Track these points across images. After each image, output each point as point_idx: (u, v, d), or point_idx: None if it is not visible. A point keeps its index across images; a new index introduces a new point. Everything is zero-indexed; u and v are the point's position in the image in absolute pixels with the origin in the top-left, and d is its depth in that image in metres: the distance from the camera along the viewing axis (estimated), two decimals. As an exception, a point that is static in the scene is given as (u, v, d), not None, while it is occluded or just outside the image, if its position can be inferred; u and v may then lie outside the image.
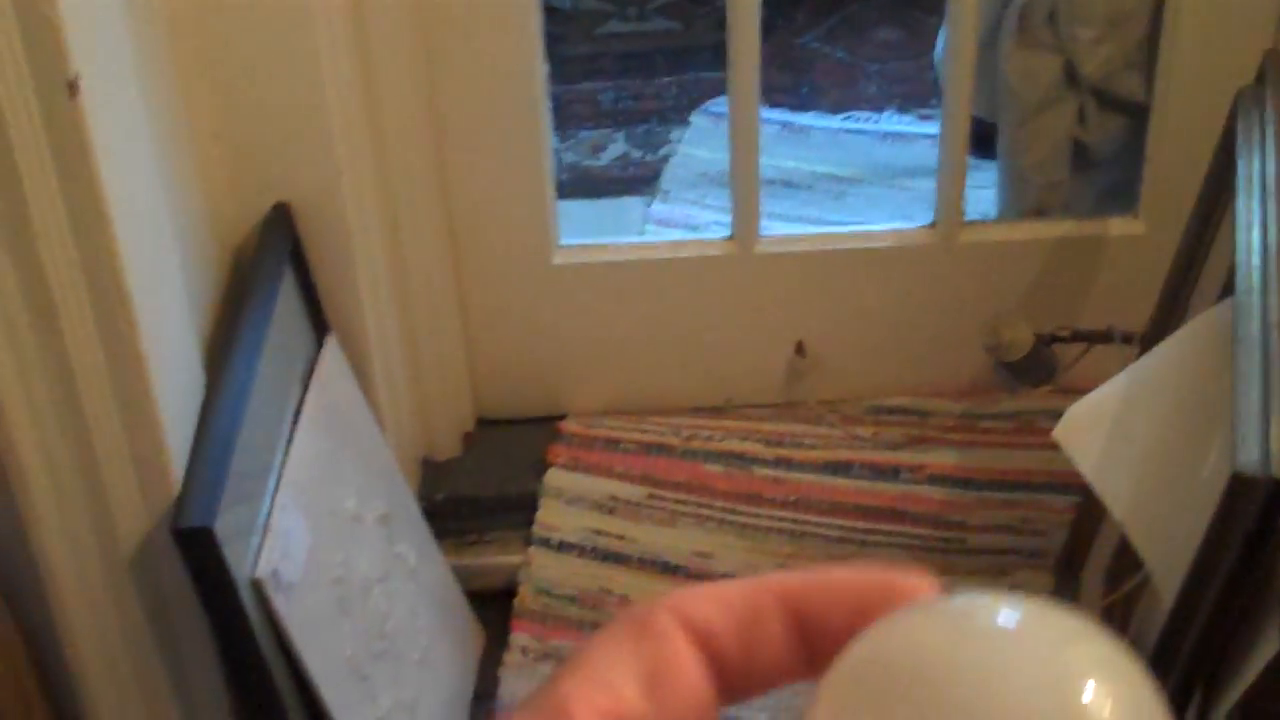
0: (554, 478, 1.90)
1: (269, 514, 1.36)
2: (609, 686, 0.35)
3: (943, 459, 1.89)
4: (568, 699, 0.34)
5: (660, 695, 0.35)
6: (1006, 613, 0.35)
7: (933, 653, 0.35)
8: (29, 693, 1.35)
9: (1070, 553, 1.78)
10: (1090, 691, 0.34)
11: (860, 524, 1.85)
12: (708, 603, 0.36)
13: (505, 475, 1.93)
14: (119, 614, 1.30)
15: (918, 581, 0.37)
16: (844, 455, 1.90)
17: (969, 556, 1.82)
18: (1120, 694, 0.34)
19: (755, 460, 1.91)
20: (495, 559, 1.88)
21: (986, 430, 1.92)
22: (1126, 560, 1.62)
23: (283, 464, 1.42)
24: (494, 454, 1.96)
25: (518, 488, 1.91)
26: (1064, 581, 1.78)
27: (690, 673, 0.35)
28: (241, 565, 1.29)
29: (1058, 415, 1.47)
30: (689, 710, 0.35)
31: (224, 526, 1.25)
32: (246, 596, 1.29)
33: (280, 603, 1.34)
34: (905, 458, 1.90)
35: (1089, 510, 1.73)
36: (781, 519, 1.86)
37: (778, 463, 1.90)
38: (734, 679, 0.36)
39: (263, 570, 1.31)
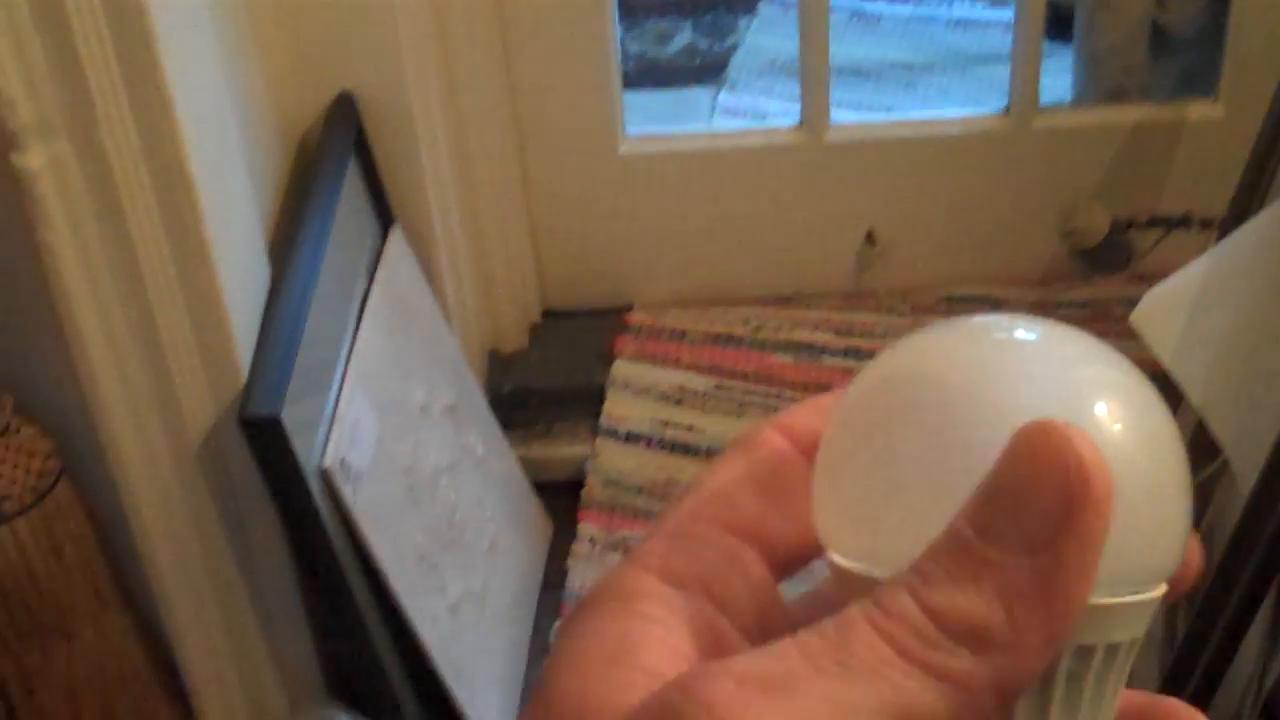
0: (621, 369, 1.89)
1: (336, 404, 1.36)
2: (727, 498, 0.36)
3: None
4: (686, 516, 0.36)
5: (779, 500, 0.37)
6: (1028, 329, 0.36)
7: (946, 361, 0.35)
8: (101, 584, 1.36)
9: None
10: (1101, 409, 0.34)
11: (930, 414, 1.83)
12: (808, 413, 0.38)
13: (572, 367, 1.92)
14: (188, 504, 1.31)
15: None
16: (914, 345, 1.88)
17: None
18: (1131, 416, 0.34)
19: (825, 350, 1.89)
20: (562, 450, 1.87)
21: (1061, 316, 1.88)
22: (1202, 447, 1.59)
23: (349, 355, 1.41)
24: (560, 346, 1.95)
25: (585, 379, 1.90)
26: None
27: (803, 477, 0.37)
28: (309, 455, 1.29)
29: (1133, 302, 1.44)
30: (804, 515, 0.36)
31: (291, 416, 1.25)
32: (315, 486, 1.29)
33: (348, 492, 1.34)
34: (976, 346, 1.87)
35: (1165, 397, 1.70)
36: (851, 409, 1.84)
37: (848, 352, 1.88)
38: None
39: (331, 459, 1.31)
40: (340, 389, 1.37)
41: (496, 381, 1.90)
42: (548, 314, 1.98)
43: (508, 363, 1.93)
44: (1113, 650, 0.34)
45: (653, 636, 0.33)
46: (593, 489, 1.82)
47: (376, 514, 1.39)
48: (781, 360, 1.88)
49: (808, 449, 0.37)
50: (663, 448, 1.84)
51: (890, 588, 0.31)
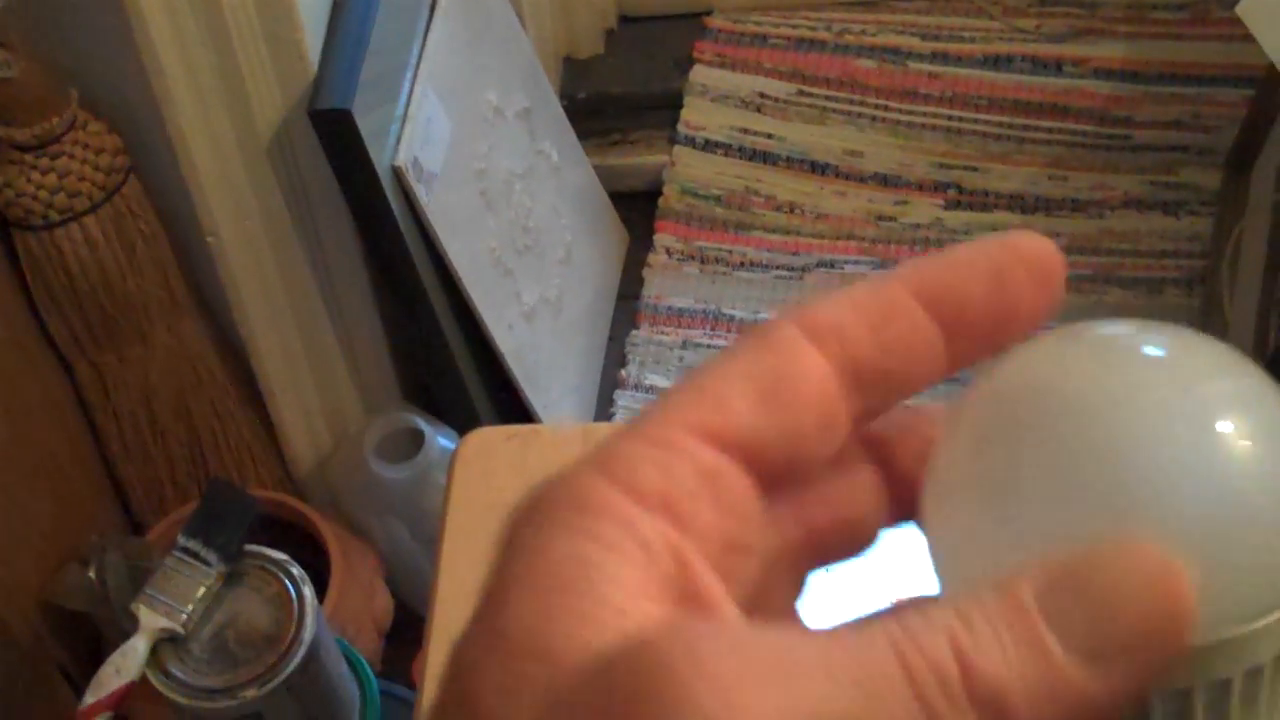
0: (699, 74, 1.84)
1: (408, 103, 1.32)
2: (719, 401, 0.30)
3: (1109, 51, 1.79)
4: (670, 421, 0.30)
5: (778, 407, 0.31)
6: (1152, 342, 0.34)
7: (1071, 380, 0.33)
8: (174, 285, 1.35)
9: (1241, 149, 1.70)
10: (1231, 425, 0.32)
11: (1020, 120, 1.77)
12: (834, 306, 0.31)
13: (649, 73, 1.87)
14: (259, 202, 1.28)
15: (1040, 242, 0.33)
16: (1004, 48, 1.81)
17: (1134, 153, 1.74)
18: (1262, 431, 0.32)
19: (911, 54, 1.82)
20: (639, 159, 1.83)
21: (1157, 20, 1.81)
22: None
23: (420, 54, 1.37)
24: (637, 51, 1.89)
25: (662, 85, 1.85)
26: (1233, 178, 1.70)
27: (815, 380, 0.31)
28: (381, 153, 1.26)
29: (1234, 1, 1.38)
30: (813, 422, 0.31)
31: (361, 110, 1.21)
32: (387, 184, 1.26)
33: (421, 192, 1.31)
34: (1069, 50, 1.80)
35: (1264, 104, 1.64)
36: (936, 115, 1.79)
37: (934, 56, 1.82)
38: (870, 384, 0.32)
39: (403, 157, 1.28)
40: (412, 88, 1.33)
41: (572, 88, 1.85)
42: (624, 19, 1.92)
43: (583, 69, 1.88)
44: (1255, 673, 0.32)
45: (612, 566, 0.29)
46: (669, 198, 1.79)
47: (450, 217, 1.36)
48: (865, 65, 1.82)
49: (829, 345, 0.31)
50: (741, 156, 1.80)
51: (928, 626, 0.28)
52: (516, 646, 0.28)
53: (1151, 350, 0.34)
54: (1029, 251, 0.32)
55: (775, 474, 0.31)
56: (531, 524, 0.29)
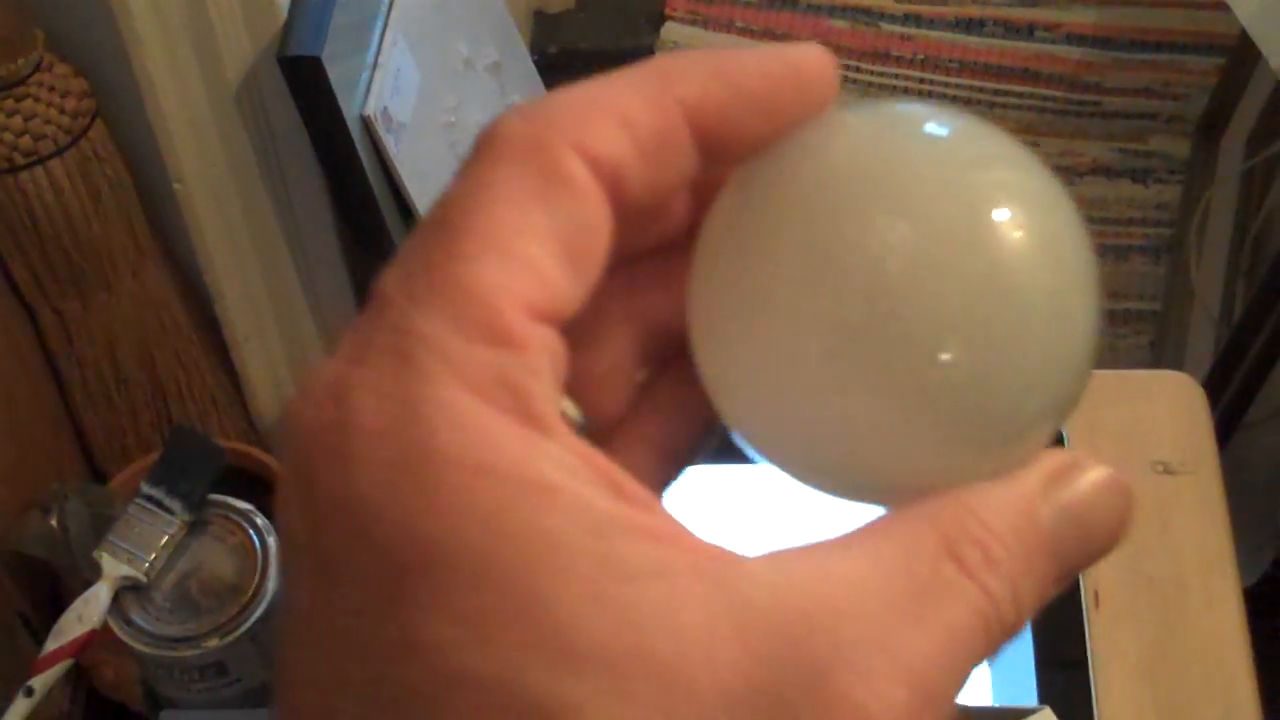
0: (671, 31, 1.83)
1: (378, 52, 1.31)
2: (531, 265, 0.27)
3: (1081, 17, 1.79)
4: (476, 288, 0.26)
5: (583, 267, 0.28)
6: (936, 125, 0.31)
7: (837, 155, 0.30)
8: (139, 232, 1.34)
9: (1211, 117, 1.70)
10: (1005, 214, 0.30)
11: (991, 84, 1.77)
12: (611, 128, 0.28)
13: (621, 28, 1.86)
14: (226, 149, 1.27)
15: (816, 57, 0.31)
16: (977, 12, 1.81)
17: (1104, 120, 1.74)
18: (1038, 223, 0.30)
19: (883, 16, 1.82)
20: (609, 115, 1.83)
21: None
22: (1271, 124, 1.54)
23: (391, 4, 1.36)
24: (609, 6, 1.89)
25: (633, 42, 1.85)
26: (1202, 146, 1.71)
27: (606, 231, 0.29)
28: (350, 102, 1.25)
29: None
30: (601, 276, 0.29)
31: (331, 58, 1.20)
32: (356, 133, 1.25)
33: (390, 142, 1.30)
34: (1041, 15, 1.80)
35: (1235, 72, 1.64)
36: (908, 78, 1.78)
37: (906, 19, 1.81)
38: (632, 221, 0.29)
39: (372, 107, 1.27)
40: (382, 38, 1.32)
41: (542, 43, 1.84)
42: (596, -27, 1.91)
43: (554, 23, 1.87)
44: None
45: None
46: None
47: (418, 167, 1.35)
48: (838, 25, 1.82)
49: (607, 182, 0.28)
50: (712, 114, 1.79)
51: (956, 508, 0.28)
52: (460, 301, 0.26)
53: (935, 130, 0.31)
54: (807, 71, 0.30)
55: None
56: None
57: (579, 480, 0.25)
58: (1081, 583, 0.83)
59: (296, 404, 0.27)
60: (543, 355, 0.27)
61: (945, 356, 0.29)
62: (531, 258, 0.27)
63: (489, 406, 0.25)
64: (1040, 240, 0.30)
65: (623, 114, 0.28)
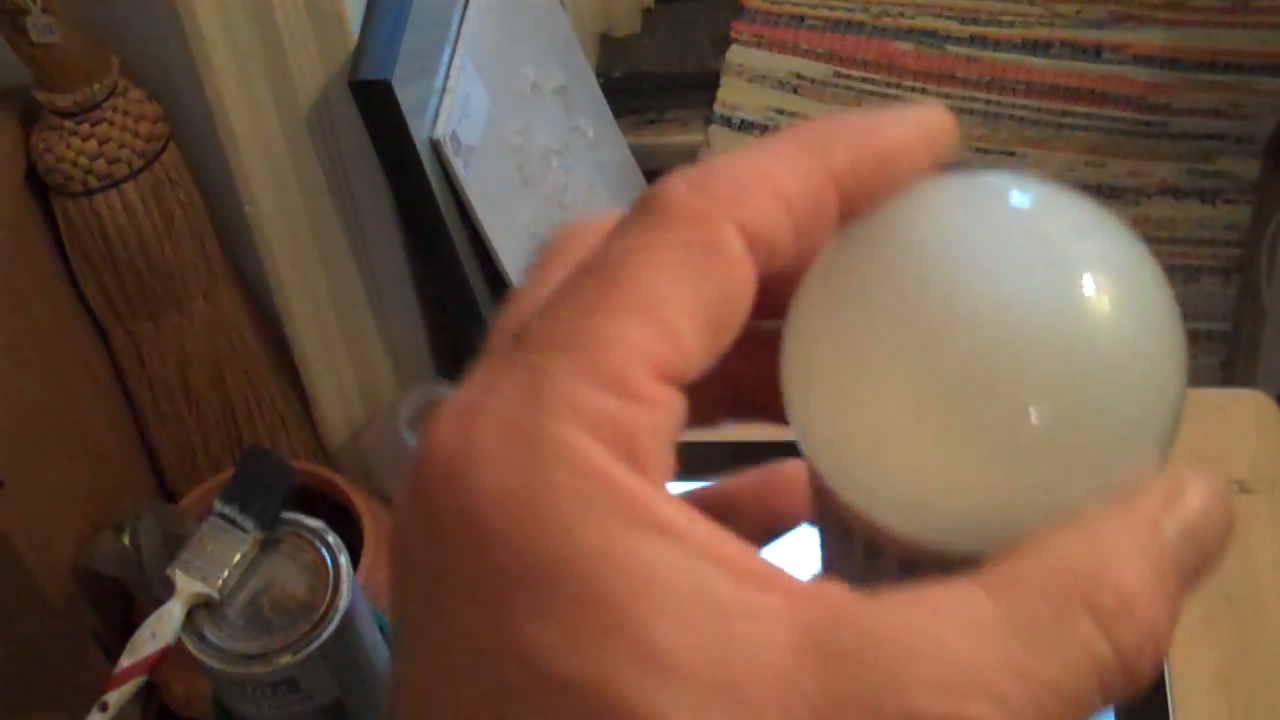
0: (736, 54, 1.83)
1: (446, 76, 1.32)
2: (673, 332, 0.28)
3: (1149, 38, 1.79)
4: (615, 343, 0.27)
5: (720, 337, 0.29)
6: (1021, 195, 0.32)
7: (928, 229, 0.31)
8: (211, 254, 1.35)
9: (1279, 138, 1.69)
10: (1093, 287, 0.30)
11: (1057, 105, 1.76)
12: (772, 206, 0.29)
13: (686, 52, 1.87)
14: (297, 170, 1.28)
15: (945, 121, 0.31)
16: (1043, 33, 1.81)
17: (1171, 141, 1.73)
18: (1127, 295, 0.31)
19: (949, 38, 1.82)
20: (675, 138, 1.83)
21: (1197, 7, 1.81)
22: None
23: (459, 28, 1.37)
24: (674, 30, 1.89)
25: (699, 65, 1.85)
26: (1271, 168, 1.69)
27: (749, 303, 0.29)
28: (420, 127, 1.26)
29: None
30: (735, 341, 0.29)
31: (401, 82, 1.21)
32: (425, 157, 1.26)
33: (459, 166, 1.31)
34: (1109, 36, 1.80)
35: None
36: (974, 99, 1.78)
37: (973, 40, 1.81)
38: (775, 298, 0.30)
39: (441, 131, 1.28)
40: (450, 62, 1.33)
41: (608, 66, 1.85)
42: (662, -3, 1.92)
43: (620, 47, 1.88)
44: None
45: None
46: (704, 177, 1.78)
47: (487, 191, 1.36)
48: (903, 47, 1.82)
49: (760, 257, 0.29)
50: (777, 136, 1.79)
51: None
52: (589, 357, 0.27)
53: (1020, 200, 0.32)
54: (936, 135, 0.31)
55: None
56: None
57: (680, 518, 0.27)
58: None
59: (428, 426, 0.28)
60: (663, 414, 0.28)
61: (1036, 419, 0.29)
62: (675, 325, 0.28)
63: (604, 450, 0.27)
64: (1128, 307, 0.31)
65: (783, 191, 0.29)
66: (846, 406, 0.31)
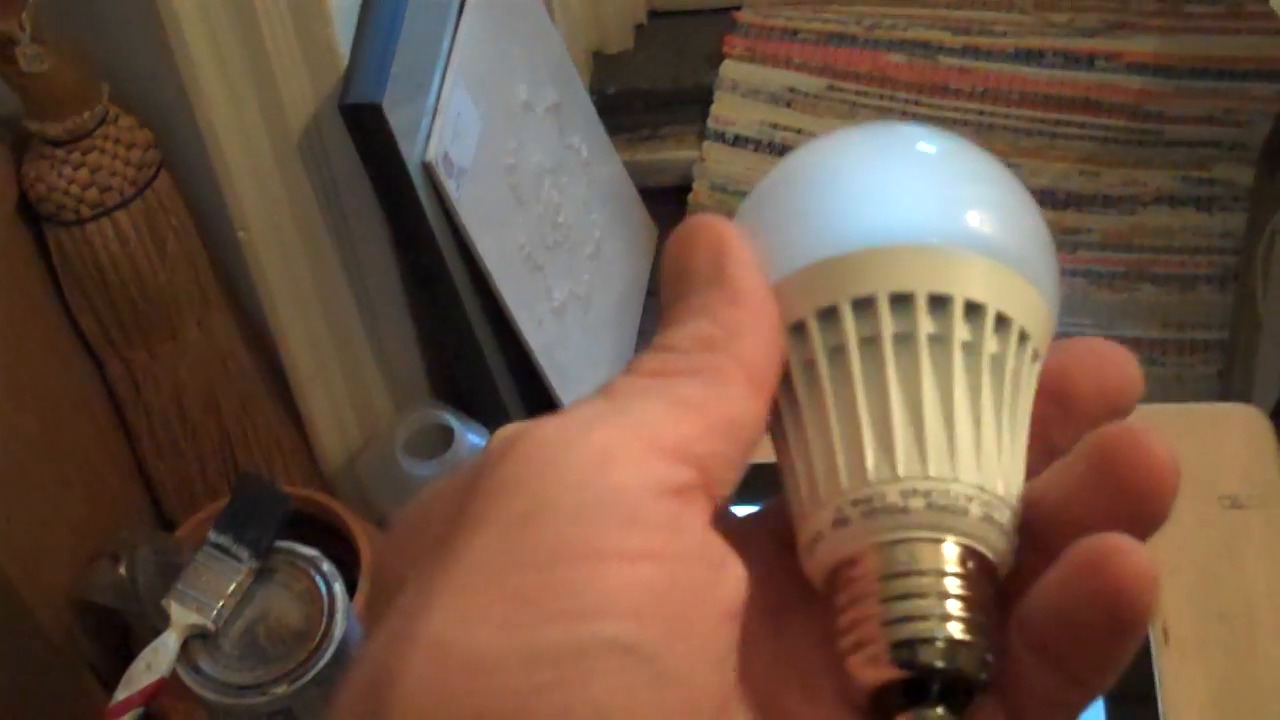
0: (729, 69, 1.83)
1: (438, 97, 1.32)
2: (709, 452, 0.37)
3: (1142, 45, 1.78)
4: (710, 413, 0.37)
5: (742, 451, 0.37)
6: (930, 140, 0.41)
7: (844, 160, 0.39)
8: (205, 281, 1.35)
9: (1275, 143, 1.68)
10: (972, 214, 0.39)
11: (1051, 115, 1.76)
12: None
13: (679, 68, 1.87)
14: (289, 194, 1.28)
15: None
16: (1036, 42, 1.80)
17: (1166, 149, 1.73)
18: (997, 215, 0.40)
19: (941, 49, 1.81)
20: (669, 154, 1.83)
21: (1190, 14, 1.80)
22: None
23: (450, 48, 1.37)
24: (667, 46, 1.89)
25: (692, 80, 1.85)
26: (1266, 175, 1.69)
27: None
28: (412, 149, 1.26)
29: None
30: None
31: (392, 104, 1.21)
32: (417, 179, 1.26)
33: (451, 188, 1.30)
34: (1102, 44, 1.79)
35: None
36: (968, 110, 1.78)
37: (965, 51, 1.81)
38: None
39: (433, 153, 1.27)
40: (442, 82, 1.33)
41: (601, 83, 1.85)
42: (653, 13, 1.91)
43: (613, 64, 1.87)
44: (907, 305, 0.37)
45: None
46: (699, 194, 1.78)
47: (480, 212, 1.36)
48: (896, 60, 1.82)
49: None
50: (772, 151, 1.79)
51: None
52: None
53: (928, 148, 0.40)
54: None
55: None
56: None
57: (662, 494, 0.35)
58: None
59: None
60: (708, 476, 0.35)
61: None
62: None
63: (643, 451, 0.35)
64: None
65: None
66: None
